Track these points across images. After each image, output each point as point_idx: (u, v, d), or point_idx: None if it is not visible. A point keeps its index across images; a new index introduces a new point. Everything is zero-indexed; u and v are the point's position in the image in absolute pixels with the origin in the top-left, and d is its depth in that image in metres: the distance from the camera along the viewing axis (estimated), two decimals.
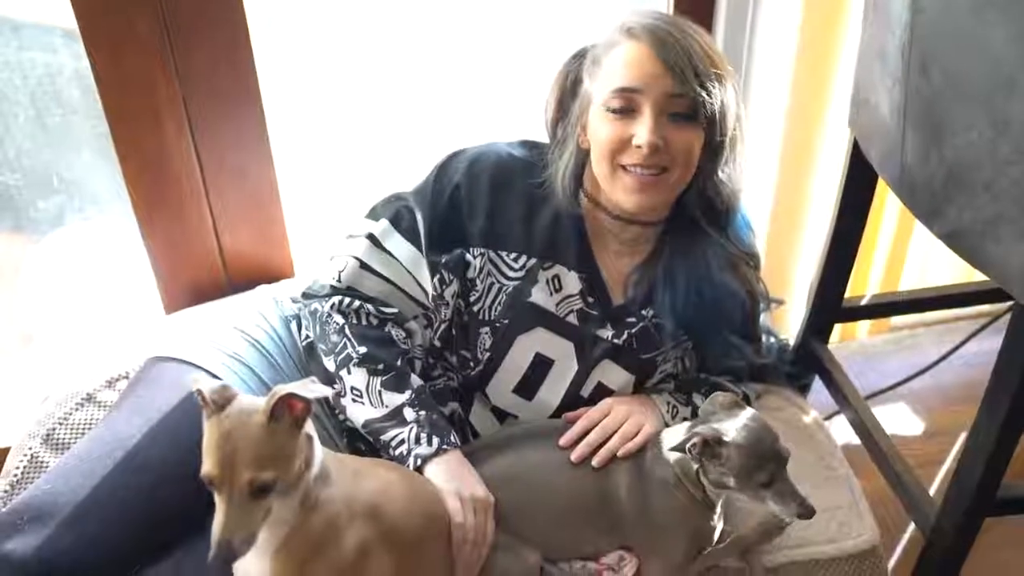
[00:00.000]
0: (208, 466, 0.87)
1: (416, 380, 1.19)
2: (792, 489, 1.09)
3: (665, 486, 1.14)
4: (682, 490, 1.14)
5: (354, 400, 1.17)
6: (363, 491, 1.01)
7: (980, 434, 1.23)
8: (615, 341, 1.25)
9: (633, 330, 1.25)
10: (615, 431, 1.20)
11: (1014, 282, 1.04)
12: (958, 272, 2.02)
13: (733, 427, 1.08)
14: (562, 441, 1.20)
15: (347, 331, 1.19)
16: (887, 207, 1.90)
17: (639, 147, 1.12)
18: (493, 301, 1.22)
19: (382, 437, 1.15)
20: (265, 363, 1.25)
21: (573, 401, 1.25)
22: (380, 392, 1.16)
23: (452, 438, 1.15)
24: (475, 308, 1.22)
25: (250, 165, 1.53)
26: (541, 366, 1.24)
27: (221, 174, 1.52)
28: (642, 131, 1.12)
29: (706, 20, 1.63)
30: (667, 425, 1.24)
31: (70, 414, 1.30)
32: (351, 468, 1.03)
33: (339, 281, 1.22)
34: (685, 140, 1.14)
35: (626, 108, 1.13)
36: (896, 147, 1.20)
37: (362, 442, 1.23)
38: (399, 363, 1.18)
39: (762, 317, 1.37)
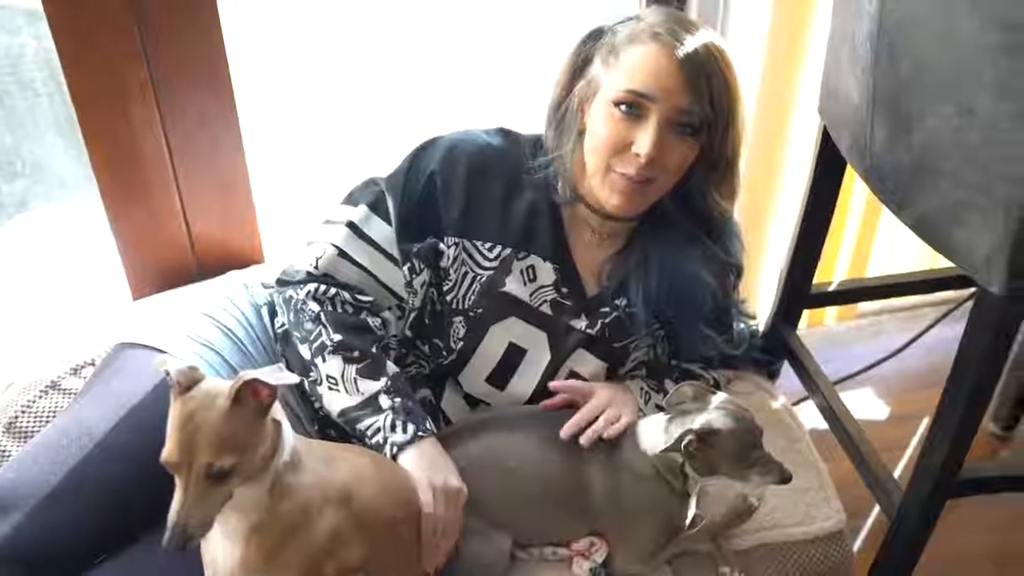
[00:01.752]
0: (167, 448, 0.86)
1: (392, 367, 1.18)
2: (771, 458, 1.12)
3: (641, 478, 1.15)
4: (659, 482, 1.15)
5: (330, 388, 1.16)
6: (335, 477, 1.00)
7: (943, 418, 1.25)
8: (589, 331, 1.25)
9: (607, 320, 1.26)
10: (601, 413, 1.20)
11: (978, 268, 1.06)
12: (923, 259, 2.06)
13: (718, 416, 1.10)
14: (563, 432, 1.19)
15: (323, 318, 1.17)
16: (854, 194, 1.93)
17: (637, 156, 1.12)
18: (467, 291, 1.22)
19: (358, 426, 1.14)
20: (235, 349, 1.24)
21: (546, 391, 1.25)
22: (355, 380, 1.15)
23: (428, 425, 1.15)
24: (448, 297, 1.22)
25: (220, 149, 1.51)
26: (514, 356, 1.23)
27: (190, 158, 1.50)
28: (644, 141, 1.11)
29: (678, 8, 1.64)
30: (641, 411, 1.24)
31: (33, 402, 1.28)
32: (322, 454, 1.03)
33: (316, 268, 1.20)
34: (680, 154, 1.15)
35: (633, 108, 1.12)
36: (865, 135, 1.21)
37: (333, 428, 1.23)
38: (374, 350, 1.17)
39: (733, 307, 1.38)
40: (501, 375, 1.24)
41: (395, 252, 1.21)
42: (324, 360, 1.16)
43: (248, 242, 1.62)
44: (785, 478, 1.11)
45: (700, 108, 1.12)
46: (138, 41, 1.37)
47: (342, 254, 1.20)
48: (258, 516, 0.93)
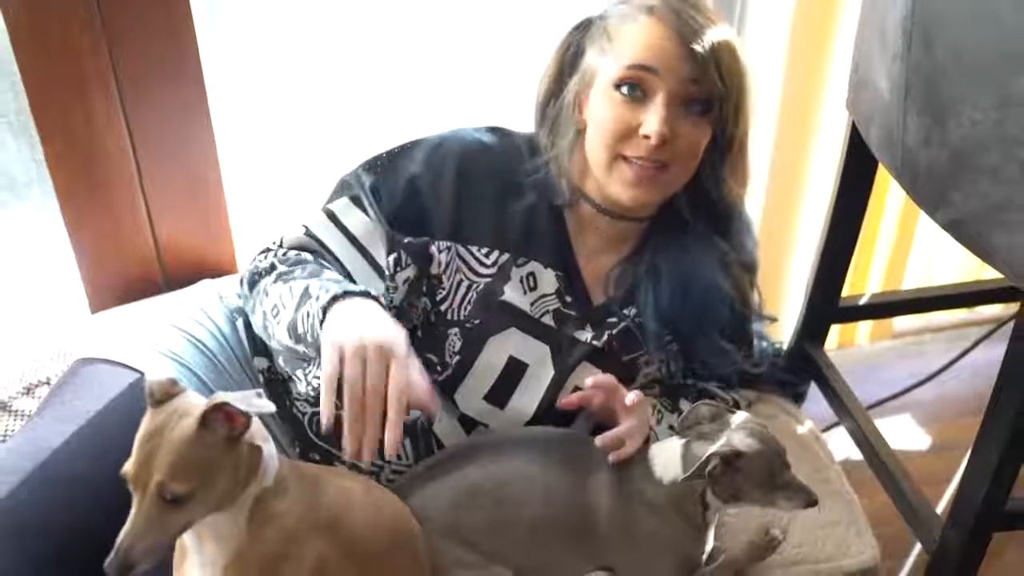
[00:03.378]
0: (128, 463, 0.89)
1: (331, 273, 1.18)
2: (797, 481, 1.12)
3: (655, 509, 1.15)
4: (675, 512, 1.15)
5: (275, 319, 1.14)
6: (323, 503, 1.02)
7: (985, 441, 1.27)
8: (594, 343, 1.26)
9: (614, 331, 1.27)
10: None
11: (1021, 274, 1.08)
12: (967, 270, 2.08)
13: (741, 437, 1.10)
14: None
15: (273, 266, 1.19)
16: (889, 198, 1.94)
17: (647, 137, 1.14)
18: (462, 300, 1.24)
19: (298, 330, 1.10)
20: (208, 365, 1.25)
21: (549, 409, 1.26)
22: (290, 289, 1.13)
23: (363, 289, 1.12)
24: (443, 307, 1.24)
25: (189, 147, 1.53)
26: (514, 370, 1.25)
27: (156, 157, 1.52)
28: (652, 120, 1.13)
29: None
30: (652, 429, 1.26)
31: None
32: (310, 478, 1.04)
33: (280, 244, 1.23)
34: (694, 135, 1.17)
35: (637, 90, 1.15)
36: (896, 130, 1.24)
37: (315, 452, 1.24)
38: (313, 264, 1.19)
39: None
40: (501, 392, 1.25)
41: (372, 248, 1.22)
42: (267, 295, 1.16)
43: (220, 250, 1.64)
44: (812, 502, 1.12)
45: (707, 79, 1.14)
46: (99, 27, 1.39)
47: (310, 235, 1.23)
48: (236, 545, 0.95)
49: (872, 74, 1.30)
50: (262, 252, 1.23)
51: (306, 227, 1.23)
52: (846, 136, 1.52)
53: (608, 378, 1.20)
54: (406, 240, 1.22)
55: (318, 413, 1.22)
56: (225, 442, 0.90)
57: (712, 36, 1.14)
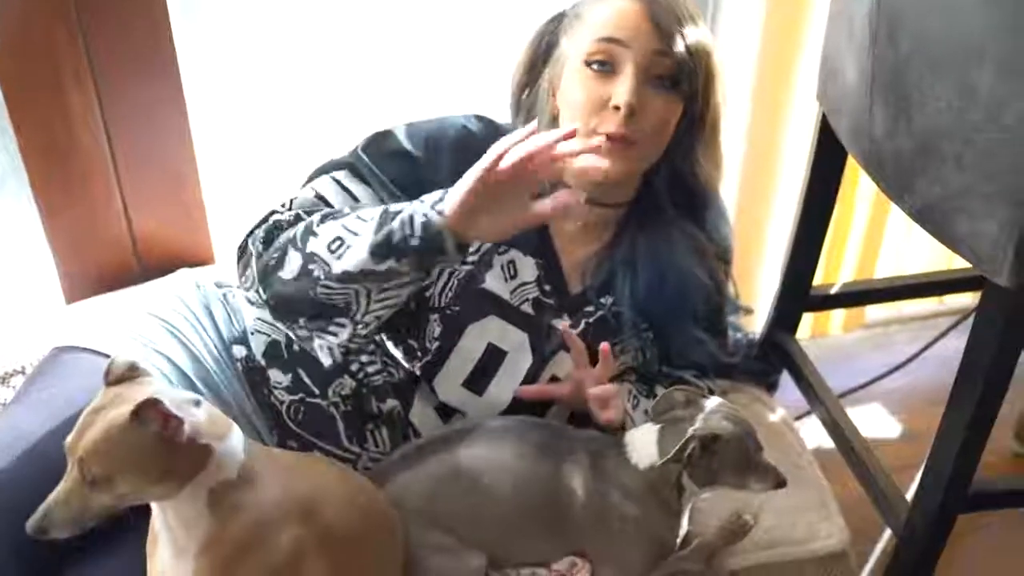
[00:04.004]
0: (71, 432, 0.91)
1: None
2: (767, 463, 1.15)
3: (631, 495, 1.17)
4: (650, 498, 1.17)
5: (336, 252, 1.09)
6: (297, 489, 1.03)
7: (950, 424, 1.30)
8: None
9: (590, 319, 1.29)
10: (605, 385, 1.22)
11: (984, 259, 1.11)
12: (939, 260, 2.11)
13: (718, 420, 1.12)
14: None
15: (297, 221, 1.16)
16: (860, 188, 1.97)
17: (616, 108, 1.16)
18: (444, 286, 1.25)
19: (394, 240, 1.05)
20: (187, 355, 1.25)
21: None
22: (359, 217, 1.10)
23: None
24: (426, 294, 1.25)
25: (165, 138, 1.53)
26: (493, 357, 1.26)
27: (132, 147, 1.52)
28: (621, 90, 1.16)
29: None
30: (627, 415, 1.28)
31: None
32: (284, 464, 1.06)
33: (288, 207, 1.20)
34: (662, 109, 1.19)
35: (606, 63, 1.17)
36: (864, 120, 1.26)
37: (293, 439, 1.25)
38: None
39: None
40: (479, 379, 1.26)
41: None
42: (316, 236, 1.11)
43: (197, 240, 1.63)
44: (781, 482, 1.15)
45: (674, 52, 1.17)
46: (74, 19, 1.39)
47: (320, 196, 1.21)
48: (204, 533, 0.96)
49: (841, 65, 1.33)
50: (268, 214, 1.20)
51: (315, 190, 1.22)
52: (816, 127, 1.54)
53: (579, 345, 1.23)
54: None
55: (296, 401, 1.25)
56: (156, 438, 0.90)
57: (678, 12, 1.18)
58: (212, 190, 1.64)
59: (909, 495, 1.41)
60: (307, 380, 1.25)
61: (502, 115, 1.33)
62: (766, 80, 1.75)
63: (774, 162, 1.86)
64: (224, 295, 1.34)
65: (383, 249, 1.06)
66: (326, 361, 1.25)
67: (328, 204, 1.21)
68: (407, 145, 1.23)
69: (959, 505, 1.34)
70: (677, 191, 1.29)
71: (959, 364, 1.27)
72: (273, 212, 1.20)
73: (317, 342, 1.22)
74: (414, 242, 1.05)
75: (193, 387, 1.22)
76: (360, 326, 1.15)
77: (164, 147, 1.55)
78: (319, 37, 1.68)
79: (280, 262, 1.13)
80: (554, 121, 1.25)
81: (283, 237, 1.15)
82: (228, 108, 1.70)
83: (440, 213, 1.04)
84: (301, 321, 1.16)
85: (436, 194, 1.07)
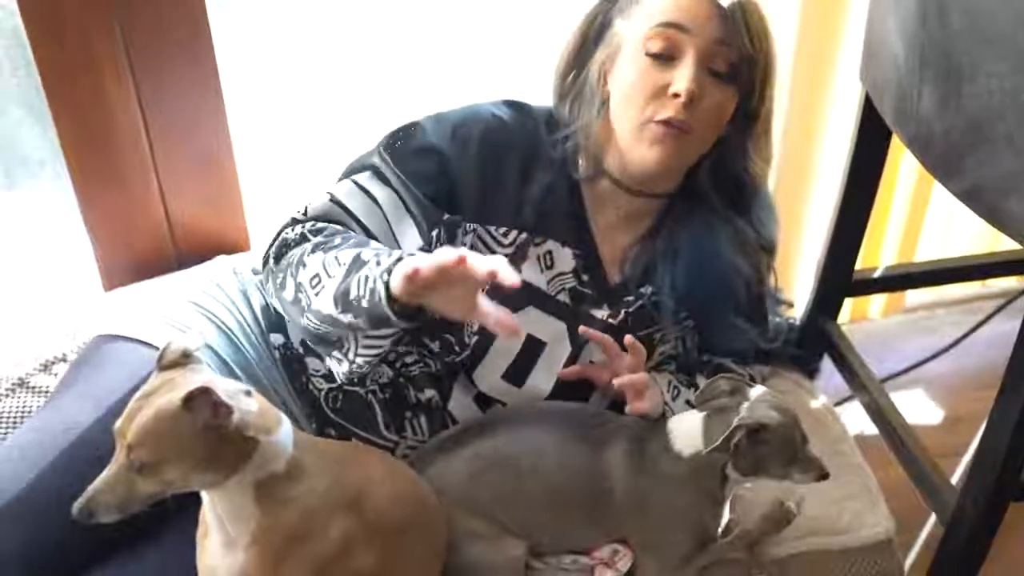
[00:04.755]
0: (120, 417, 0.91)
1: (378, 244, 1.16)
2: (812, 454, 1.14)
3: (673, 482, 1.16)
4: (693, 485, 1.16)
5: (314, 289, 1.10)
6: (347, 481, 1.03)
7: (1003, 409, 1.27)
8: (611, 321, 1.27)
9: (630, 309, 1.28)
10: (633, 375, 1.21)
11: None
12: (981, 243, 2.07)
13: (764, 410, 1.11)
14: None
15: (304, 238, 1.16)
16: (902, 170, 1.94)
17: (676, 95, 1.14)
18: None
19: (350, 296, 1.06)
20: (227, 342, 1.25)
21: (565, 387, 1.26)
22: (336, 258, 1.10)
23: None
24: None
25: (201, 125, 1.54)
26: (533, 349, 1.25)
27: (169, 134, 1.52)
28: (681, 77, 1.14)
29: None
30: (667, 405, 1.26)
31: None
32: (335, 456, 1.06)
33: (304, 214, 1.21)
34: (720, 99, 1.17)
35: (666, 50, 1.15)
36: (911, 98, 1.23)
37: (331, 427, 1.25)
38: (352, 235, 1.17)
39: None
40: (519, 371, 1.25)
41: (395, 222, 1.21)
42: (304, 266, 1.13)
43: (233, 227, 1.64)
44: (824, 475, 1.13)
45: (736, 41, 1.15)
46: (110, 6, 1.39)
47: (336, 202, 1.21)
48: (255, 525, 0.96)
49: (886, 42, 1.30)
50: (287, 224, 1.21)
51: (331, 194, 1.22)
52: (859, 107, 1.51)
53: (606, 338, 1.22)
54: (445, 216, 1.21)
55: (334, 389, 1.25)
56: (205, 427, 0.90)
57: (743, 1, 1.15)
58: (248, 176, 1.64)
59: (953, 480, 1.39)
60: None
61: (536, 98, 1.31)
62: (807, 59, 1.72)
63: (814, 142, 1.83)
64: (261, 282, 1.33)
65: (343, 301, 1.07)
66: (339, 379, 1.23)
67: (345, 209, 1.21)
68: (433, 139, 1.22)
69: (1012, 492, 1.31)
70: (724, 183, 1.27)
71: (1012, 349, 1.24)
72: (288, 223, 1.21)
73: (327, 360, 1.22)
74: (364, 304, 1.05)
75: (232, 374, 1.22)
76: (354, 365, 1.17)
77: (200, 133, 1.55)
78: (356, 19, 1.67)
79: (283, 284, 1.16)
80: (604, 106, 1.22)
81: (287, 258, 1.17)
82: (264, 94, 1.70)
83: (387, 284, 1.02)
84: (308, 342, 1.20)
85: (394, 256, 1.05)
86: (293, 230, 1.19)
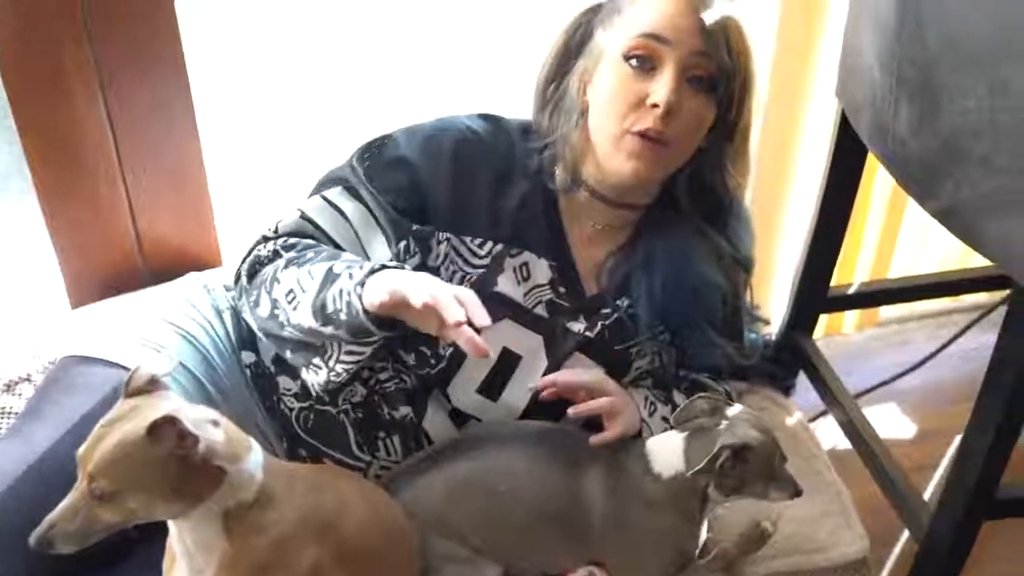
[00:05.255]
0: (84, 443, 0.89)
1: (349, 255, 1.16)
2: (787, 474, 1.15)
3: (652, 504, 1.15)
4: (672, 506, 1.15)
5: (291, 304, 1.11)
6: (316, 507, 1.01)
7: (977, 428, 1.27)
8: (587, 334, 1.26)
9: (607, 322, 1.27)
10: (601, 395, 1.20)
11: (1014, 263, 1.08)
12: (954, 259, 2.08)
13: (746, 430, 1.11)
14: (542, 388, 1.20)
15: (276, 256, 1.17)
16: (876, 186, 1.95)
17: (655, 106, 1.14)
18: None
19: (328, 311, 1.07)
20: (200, 360, 1.24)
21: (541, 402, 1.24)
22: (308, 272, 1.11)
23: (393, 262, 1.11)
24: None
25: (172, 138, 1.52)
26: (508, 362, 1.24)
27: (138, 148, 1.50)
28: (660, 88, 1.13)
29: None
30: (644, 422, 1.25)
31: None
32: (307, 481, 1.04)
33: (274, 231, 1.20)
34: (698, 111, 1.17)
35: (646, 61, 1.15)
36: (887, 118, 1.24)
37: (303, 447, 1.23)
38: (328, 248, 1.17)
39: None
40: (494, 384, 1.24)
41: (365, 237, 1.21)
42: (279, 282, 1.13)
43: (204, 243, 1.62)
44: (798, 492, 1.14)
45: (716, 54, 1.15)
46: (80, 17, 1.37)
47: (306, 218, 1.21)
48: (221, 554, 0.94)
49: (863, 60, 1.30)
50: (259, 241, 1.21)
51: (302, 211, 1.21)
52: (835, 124, 1.52)
53: (575, 378, 1.21)
54: (415, 227, 1.21)
55: (305, 408, 1.23)
56: (169, 456, 0.88)
57: (723, 12, 1.16)
58: (219, 191, 1.62)
59: (926, 496, 1.39)
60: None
61: (514, 110, 1.30)
62: (783, 74, 1.72)
63: (790, 159, 1.83)
64: (233, 299, 1.31)
65: (322, 314, 1.09)
66: (315, 391, 1.22)
67: (315, 225, 1.20)
68: (404, 151, 1.22)
69: (985, 510, 1.31)
70: (701, 196, 1.27)
71: (981, 364, 1.25)
72: (259, 240, 1.20)
73: (304, 374, 1.21)
74: (343, 316, 1.07)
75: (205, 391, 1.20)
76: (332, 372, 1.16)
77: (171, 148, 1.53)
78: (327, 34, 1.66)
79: (257, 301, 1.16)
80: (583, 115, 1.22)
81: (261, 275, 1.16)
82: (236, 108, 1.68)
83: (360, 298, 1.04)
84: (287, 353, 1.19)
85: (366, 268, 1.06)
86: (265, 247, 1.18)
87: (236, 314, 1.29)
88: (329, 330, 1.09)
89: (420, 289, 0.99)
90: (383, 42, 1.70)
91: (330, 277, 1.08)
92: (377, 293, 1.02)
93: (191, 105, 1.50)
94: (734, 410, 1.15)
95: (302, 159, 1.71)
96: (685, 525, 1.16)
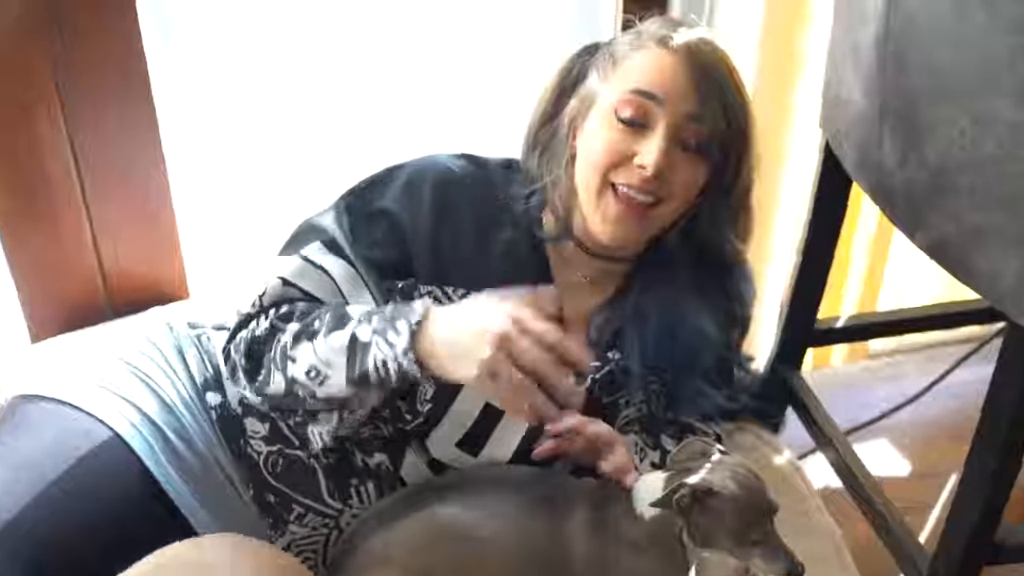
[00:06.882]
0: None
1: (357, 308, 1.14)
2: (781, 543, 1.10)
3: (637, 548, 1.13)
4: (657, 552, 1.13)
5: (317, 380, 1.10)
6: None
7: (973, 471, 1.27)
8: (576, 389, 1.25)
9: (596, 375, 1.26)
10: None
11: (1004, 298, 1.09)
12: (945, 290, 2.10)
13: (722, 476, 1.09)
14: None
15: (274, 327, 1.15)
16: (862, 218, 1.97)
17: (641, 167, 1.14)
18: None
19: (370, 381, 1.07)
20: (157, 402, 1.22)
21: (524, 455, 1.23)
22: (328, 345, 1.09)
23: (419, 306, 1.08)
24: None
25: (138, 166, 1.52)
26: (490, 418, 1.22)
27: (103, 176, 1.50)
28: (650, 150, 1.13)
29: (659, 11, 1.68)
30: (635, 468, 1.25)
31: None
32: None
33: (259, 305, 1.18)
34: (689, 173, 1.17)
35: (637, 118, 1.15)
36: (872, 150, 1.25)
37: (270, 492, 1.22)
38: (329, 307, 1.15)
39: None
40: (475, 440, 1.22)
41: (350, 294, 1.20)
42: (294, 362, 1.11)
43: (170, 275, 1.62)
44: (794, 571, 1.09)
45: (712, 117, 1.15)
46: (44, 47, 1.37)
47: (289, 284, 1.19)
48: None
49: (846, 92, 1.32)
50: (243, 320, 1.18)
51: (283, 278, 1.20)
52: (820, 155, 1.53)
53: (590, 426, 1.17)
54: (399, 284, 1.20)
55: (273, 453, 1.22)
56: None
57: (722, 76, 1.16)
58: (187, 221, 1.62)
59: (923, 537, 1.38)
60: (286, 430, 1.22)
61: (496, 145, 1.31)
62: (765, 104, 1.74)
63: (773, 187, 1.85)
64: (198, 336, 1.30)
65: (363, 384, 1.08)
66: (317, 445, 1.20)
67: (299, 289, 1.19)
68: (385, 202, 1.21)
69: (986, 556, 1.31)
70: (696, 254, 1.27)
71: (974, 399, 1.25)
72: (243, 319, 1.19)
73: (310, 427, 1.19)
74: (393, 384, 1.07)
75: (164, 437, 1.18)
76: (347, 412, 1.15)
77: (136, 178, 1.53)
78: (298, 61, 1.66)
79: (267, 380, 1.14)
80: (571, 161, 1.22)
81: (265, 355, 1.15)
82: (203, 135, 1.68)
83: (413, 360, 1.04)
84: (296, 417, 1.19)
85: (405, 334, 1.04)
86: (258, 324, 1.17)
87: (200, 352, 1.28)
88: (375, 394, 1.10)
89: (494, 384, 0.98)
90: (350, 74, 1.70)
91: (358, 347, 1.07)
92: (439, 371, 1.03)
93: (158, 132, 1.50)
94: (728, 459, 1.13)
95: (274, 187, 1.70)
96: (670, 569, 1.15)
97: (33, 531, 1.04)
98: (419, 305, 1.07)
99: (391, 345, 1.04)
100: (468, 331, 1.01)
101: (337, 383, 1.09)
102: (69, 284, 1.56)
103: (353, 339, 1.07)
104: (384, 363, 1.05)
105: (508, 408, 1.03)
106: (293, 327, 1.13)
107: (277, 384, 1.13)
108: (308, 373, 1.10)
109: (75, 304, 1.57)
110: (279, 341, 1.13)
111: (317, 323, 1.12)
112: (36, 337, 1.57)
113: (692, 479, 1.08)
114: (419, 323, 1.04)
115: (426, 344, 1.04)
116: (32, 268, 1.54)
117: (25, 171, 1.45)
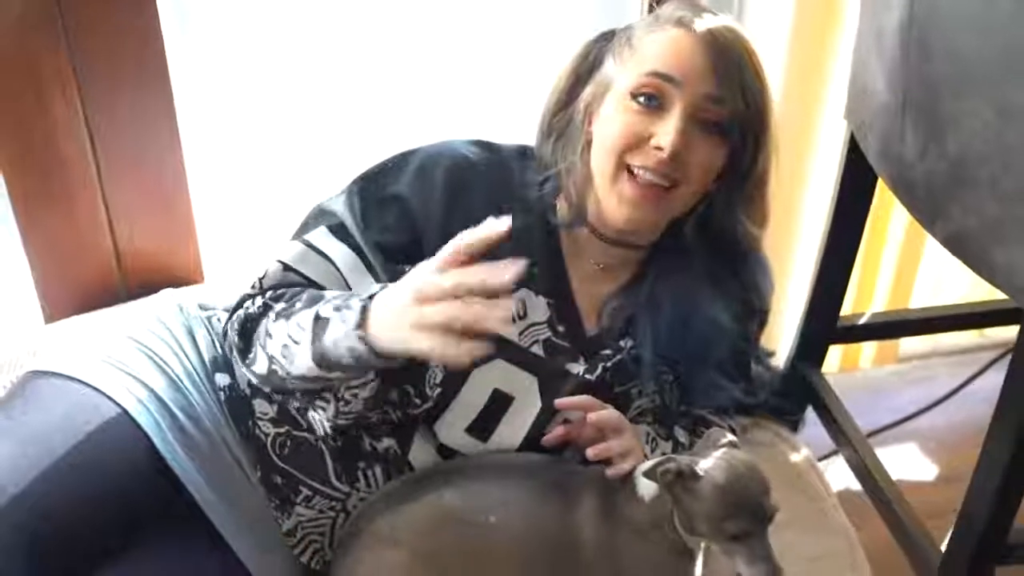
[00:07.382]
0: None
1: (331, 291, 1.15)
2: (766, 553, 1.08)
3: (642, 533, 1.14)
4: (662, 537, 1.14)
5: (287, 358, 1.10)
6: None
7: (985, 470, 1.27)
8: (587, 377, 1.25)
9: (608, 364, 1.26)
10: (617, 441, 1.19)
11: (1022, 291, 1.09)
12: (972, 292, 2.08)
13: (715, 464, 1.09)
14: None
15: (267, 305, 1.16)
16: (895, 213, 1.95)
17: (658, 149, 1.14)
18: None
19: (329, 359, 1.06)
20: (168, 383, 1.23)
21: (534, 441, 1.24)
22: (297, 323, 1.09)
23: (378, 286, 1.08)
24: None
25: (153, 149, 1.54)
26: (499, 404, 1.23)
27: (118, 159, 1.52)
28: (667, 131, 1.13)
29: None
30: (646, 458, 1.25)
31: None
32: None
33: (258, 287, 1.20)
34: (707, 154, 1.17)
35: (654, 100, 1.15)
36: (894, 140, 1.25)
37: (277, 474, 1.24)
38: (308, 291, 1.16)
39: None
40: (484, 425, 1.23)
41: (353, 280, 1.20)
42: (271, 337, 1.12)
43: (185, 257, 1.64)
44: None
45: (731, 99, 1.15)
46: (58, 23, 1.39)
47: (290, 269, 1.21)
48: None
49: (870, 82, 1.32)
50: (243, 299, 1.20)
51: (284, 263, 1.21)
52: (845, 146, 1.53)
53: (598, 411, 1.18)
54: (407, 269, 1.19)
55: (281, 434, 1.24)
56: None
57: (739, 53, 1.16)
58: (202, 204, 1.64)
59: (945, 543, 1.38)
60: (294, 412, 1.24)
61: (510, 134, 1.32)
62: (792, 96, 1.74)
63: (800, 181, 1.85)
64: (208, 318, 1.32)
65: (325, 362, 1.07)
66: (320, 431, 1.22)
67: (299, 274, 1.20)
68: (397, 186, 1.22)
69: (996, 556, 1.31)
70: (712, 241, 1.27)
71: (995, 408, 1.25)
72: (244, 298, 1.20)
73: (311, 414, 1.21)
74: (347, 362, 1.05)
75: (171, 414, 1.21)
76: (342, 403, 1.16)
77: (152, 159, 1.55)
78: (315, 45, 1.68)
79: (254, 359, 1.16)
80: (587, 148, 1.22)
81: (256, 333, 1.16)
82: (220, 119, 1.70)
83: (359, 337, 1.02)
84: (293, 402, 1.20)
85: (355, 308, 1.04)
86: (253, 303, 1.18)
87: (211, 334, 1.30)
88: (337, 374, 1.08)
89: (425, 340, 0.95)
90: (373, 51, 1.71)
91: (320, 324, 1.07)
92: (385, 344, 1.01)
93: (174, 115, 1.52)
94: (738, 453, 1.13)
95: (289, 172, 1.72)
96: (675, 557, 1.15)
97: (39, 504, 1.06)
98: (377, 286, 1.08)
99: (344, 322, 1.04)
100: (397, 299, 1.01)
101: (304, 361, 1.08)
102: (84, 266, 1.59)
103: (316, 317, 1.08)
104: (336, 342, 1.05)
105: (440, 356, 0.97)
106: (279, 307, 1.14)
107: (261, 363, 1.15)
108: (282, 350, 1.11)
109: (89, 286, 1.59)
110: (266, 320, 1.15)
111: (298, 303, 1.13)
112: (50, 318, 1.60)
113: (682, 458, 1.09)
114: (372, 298, 1.04)
115: (376, 321, 1.02)
116: (47, 249, 1.56)
117: (41, 153, 1.48)
